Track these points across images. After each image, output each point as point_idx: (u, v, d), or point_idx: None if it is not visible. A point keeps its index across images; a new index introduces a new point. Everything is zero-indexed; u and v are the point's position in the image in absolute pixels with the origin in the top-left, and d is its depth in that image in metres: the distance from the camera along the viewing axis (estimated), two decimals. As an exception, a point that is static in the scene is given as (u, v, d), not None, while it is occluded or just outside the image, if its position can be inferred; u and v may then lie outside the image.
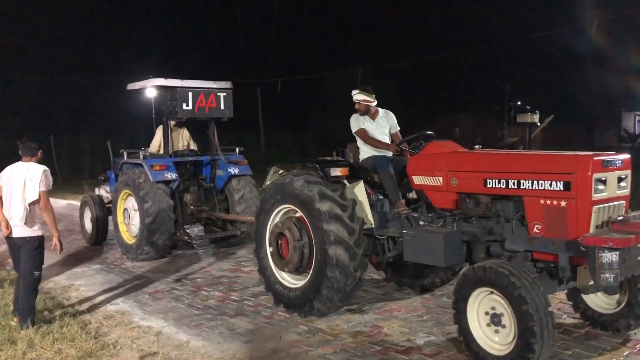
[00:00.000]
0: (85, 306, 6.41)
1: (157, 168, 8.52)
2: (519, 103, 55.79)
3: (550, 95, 44.03)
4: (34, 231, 5.53)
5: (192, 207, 9.19)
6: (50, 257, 9.10)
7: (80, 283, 7.49)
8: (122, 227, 9.03)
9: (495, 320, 4.33)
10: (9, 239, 5.58)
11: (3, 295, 6.61)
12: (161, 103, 9.05)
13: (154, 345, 5.16)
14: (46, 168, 5.58)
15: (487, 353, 4.35)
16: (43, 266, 5.72)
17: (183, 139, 9.65)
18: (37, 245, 5.56)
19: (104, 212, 9.85)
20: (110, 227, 9.67)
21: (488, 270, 4.25)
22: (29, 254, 5.51)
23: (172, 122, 9.31)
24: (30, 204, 5.46)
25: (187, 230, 9.29)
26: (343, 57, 39.22)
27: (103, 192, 10.41)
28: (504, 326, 4.27)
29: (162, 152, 9.20)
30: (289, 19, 39.64)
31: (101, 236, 9.96)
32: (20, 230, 5.49)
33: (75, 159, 28.31)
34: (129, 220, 8.90)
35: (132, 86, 9.48)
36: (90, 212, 10.00)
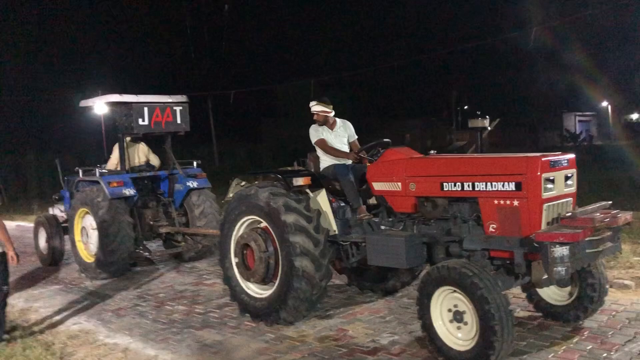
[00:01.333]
0: (46, 327, 6.31)
1: (114, 184, 8.44)
2: (465, 107, 57.36)
3: (495, 99, 45.47)
4: None
5: (151, 223, 9.15)
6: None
7: (39, 305, 7.34)
8: (80, 246, 8.89)
9: (457, 317, 4.53)
10: None
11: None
12: (116, 119, 8.96)
13: (122, 361, 5.16)
14: None
15: (449, 348, 4.56)
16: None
17: (140, 154, 9.57)
18: (0, 261, 5.59)
19: (60, 232, 9.67)
20: (67, 246, 9.50)
21: (451, 270, 4.45)
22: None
23: (128, 138, 9.24)
24: None
25: (147, 246, 9.21)
26: (293, 68, 39.52)
27: (57, 211, 10.21)
28: (466, 323, 4.49)
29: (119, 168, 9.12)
30: (238, 30, 39.68)
31: (57, 256, 9.76)
32: None
33: (21, 178, 27.50)
34: (87, 239, 8.77)
35: (85, 103, 9.38)
36: (45, 232, 9.79)
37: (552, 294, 5.43)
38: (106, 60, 36.23)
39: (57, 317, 6.71)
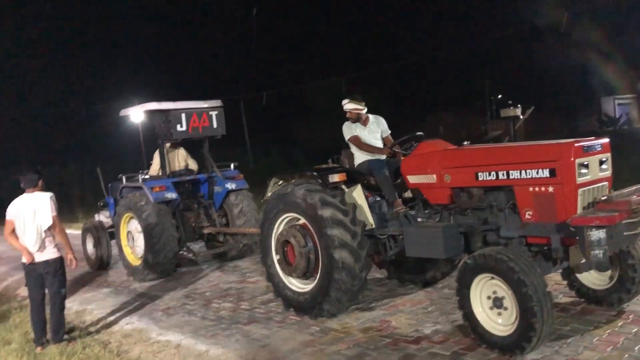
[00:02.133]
0: (102, 328, 6.63)
1: (157, 189, 8.74)
2: (499, 97, 56.48)
3: (529, 87, 44.72)
4: (54, 253, 5.97)
5: (193, 224, 9.44)
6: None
7: (92, 307, 7.68)
8: (126, 250, 9.23)
9: (497, 303, 4.61)
10: (29, 265, 5.89)
11: (22, 321, 6.80)
12: (155, 126, 9.27)
13: (175, 357, 5.40)
14: (51, 194, 5.99)
15: (491, 334, 4.64)
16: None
17: (180, 159, 9.84)
18: (59, 265, 5.99)
19: (107, 237, 10.04)
20: (114, 251, 9.86)
21: (488, 257, 4.54)
22: (53, 275, 5.92)
23: (168, 144, 9.54)
24: (45, 230, 5.85)
25: (191, 247, 9.53)
26: (323, 67, 39.68)
27: (103, 217, 10.58)
28: (506, 308, 4.56)
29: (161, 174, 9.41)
30: (267, 32, 40.08)
31: (106, 261, 10.15)
32: (42, 255, 5.88)
33: (64, 189, 28.40)
34: (133, 243, 9.10)
35: (125, 112, 9.70)
36: (92, 238, 10.17)
37: (593, 279, 5.44)
38: (139, 69, 37.05)
39: (111, 318, 7.02)
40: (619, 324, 5.03)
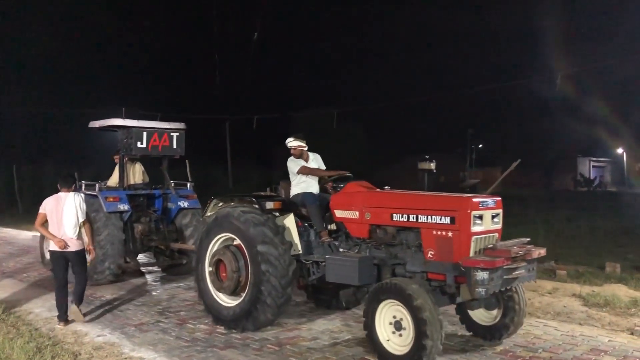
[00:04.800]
0: (72, 338, 6.41)
1: (111, 199, 9.26)
2: (480, 146, 57.46)
3: (512, 140, 45.62)
4: (81, 245, 7.13)
5: (142, 237, 9.87)
6: (27, 290, 9.06)
7: (62, 315, 7.44)
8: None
9: (397, 325, 5.25)
10: (58, 252, 6.95)
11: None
12: (118, 140, 9.82)
13: (148, 375, 5.23)
14: (83, 195, 7.33)
15: (390, 353, 5.27)
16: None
17: (138, 173, 10.33)
18: (83, 254, 7.19)
19: None
20: None
21: (392, 285, 5.26)
22: (79, 262, 7.11)
23: (126, 158, 10.02)
24: (78, 225, 6.99)
25: (137, 259, 10.11)
26: (312, 98, 40.00)
27: None
28: (404, 329, 5.21)
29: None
30: (264, 60, 40.39)
31: None
32: (72, 246, 6.97)
33: (37, 190, 27.80)
34: None
35: (93, 124, 10.17)
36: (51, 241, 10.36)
37: (481, 315, 6.16)
38: (131, 80, 36.87)
39: (81, 328, 6.81)
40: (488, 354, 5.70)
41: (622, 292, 7.99)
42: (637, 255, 11.30)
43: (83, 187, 9.67)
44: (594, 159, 59.92)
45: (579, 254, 11.79)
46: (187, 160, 13.20)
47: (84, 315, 7.20)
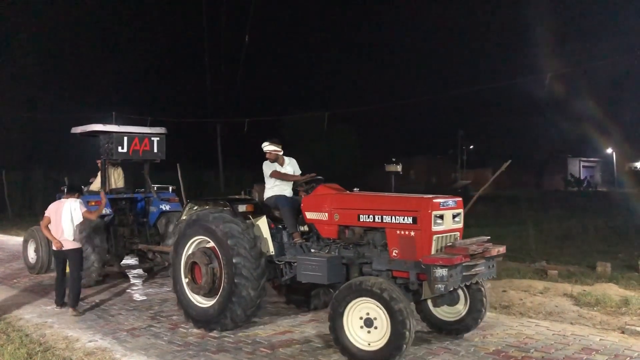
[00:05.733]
0: (63, 344, 6.35)
1: (93, 203, 9.20)
2: (471, 147, 57.69)
3: (502, 141, 45.85)
4: (77, 244, 7.81)
5: (125, 240, 10.01)
6: (17, 296, 8.99)
7: (52, 320, 7.39)
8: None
9: (368, 323, 5.37)
10: (59, 251, 7.69)
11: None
12: (100, 145, 9.97)
13: (140, 381, 5.20)
14: (80, 200, 7.89)
15: (359, 349, 5.37)
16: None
17: (119, 178, 10.48)
18: (79, 253, 7.88)
19: (48, 244, 10.28)
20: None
21: (364, 283, 5.38)
22: (76, 260, 7.77)
23: (108, 162, 10.14)
24: (76, 226, 7.69)
25: (120, 262, 10.25)
26: (303, 101, 40.03)
27: None
28: (376, 327, 5.32)
29: None
30: (254, 62, 40.32)
31: (43, 266, 10.57)
32: (70, 245, 7.68)
33: (27, 195, 27.58)
34: None
35: (75, 130, 10.29)
36: (34, 243, 10.78)
37: (443, 312, 6.37)
38: (122, 84, 36.73)
39: (72, 334, 6.75)
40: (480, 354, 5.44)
41: (613, 291, 8.04)
42: (627, 254, 11.38)
43: (65, 191, 9.66)
44: (584, 159, 60.37)
45: (570, 254, 11.88)
46: (178, 164, 13.26)
47: (82, 312, 7.75)
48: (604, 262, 9.95)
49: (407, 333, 5.08)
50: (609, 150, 55.86)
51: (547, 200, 28.76)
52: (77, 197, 7.92)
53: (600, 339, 6.19)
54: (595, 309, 7.43)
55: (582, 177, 51.61)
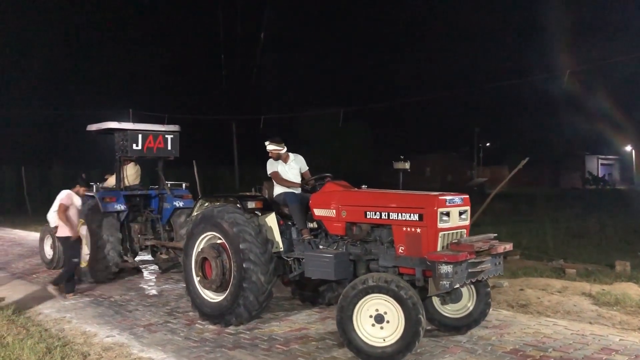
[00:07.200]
0: (81, 339, 6.42)
1: (108, 200, 9.56)
2: (487, 144, 57.22)
3: (519, 138, 45.45)
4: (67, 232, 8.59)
5: (138, 236, 10.14)
6: (36, 291, 9.11)
7: (71, 315, 7.48)
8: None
9: (379, 319, 5.36)
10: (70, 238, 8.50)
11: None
12: (115, 143, 10.13)
13: (157, 376, 5.23)
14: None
15: (370, 346, 5.34)
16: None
17: (134, 174, 10.62)
18: (79, 242, 8.84)
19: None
20: None
21: (377, 279, 5.34)
22: (71, 248, 8.67)
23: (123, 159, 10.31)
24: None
25: (134, 257, 10.37)
26: (319, 98, 40.02)
27: None
28: (388, 321, 5.32)
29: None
30: (269, 60, 40.37)
31: (59, 260, 10.71)
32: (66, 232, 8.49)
33: (45, 190, 27.90)
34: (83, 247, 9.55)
35: (90, 127, 10.45)
36: (51, 239, 10.99)
37: (449, 309, 6.38)
38: (139, 82, 37.02)
39: (90, 329, 6.82)
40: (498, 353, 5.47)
41: (632, 290, 7.93)
42: (647, 253, 11.21)
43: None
44: (602, 156, 59.61)
45: (588, 253, 11.74)
46: (194, 161, 13.34)
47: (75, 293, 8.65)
48: (623, 260, 9.82)
49: (422, 318, 5.11)
50: (628, 148, 55.11)
51: (564, 198, 28.47)
52: (82, 191, 8.68)
53: (620, 339, 6.11)
54: (614, 308, 7.34)
55: (600, 175, 51.00)
